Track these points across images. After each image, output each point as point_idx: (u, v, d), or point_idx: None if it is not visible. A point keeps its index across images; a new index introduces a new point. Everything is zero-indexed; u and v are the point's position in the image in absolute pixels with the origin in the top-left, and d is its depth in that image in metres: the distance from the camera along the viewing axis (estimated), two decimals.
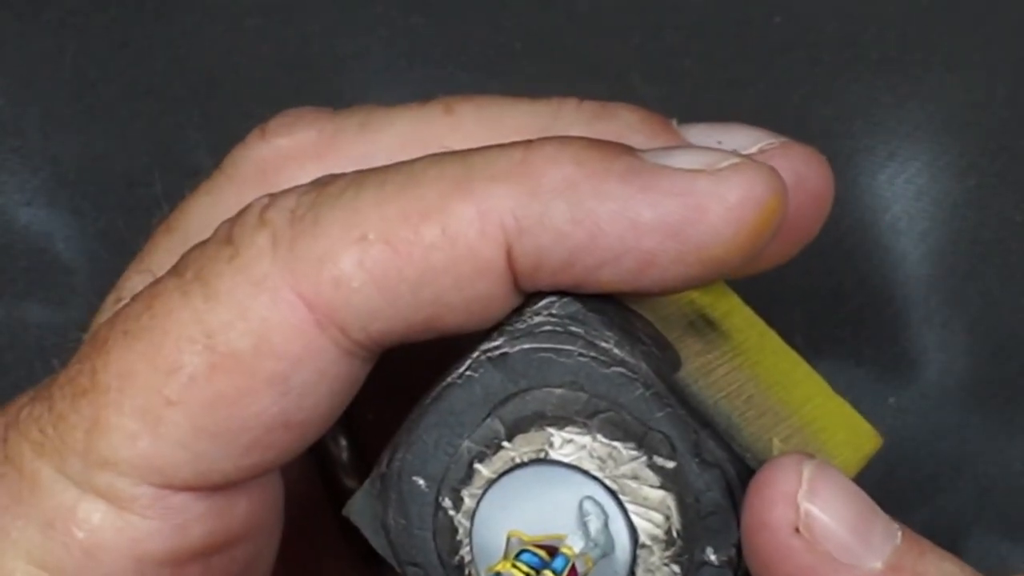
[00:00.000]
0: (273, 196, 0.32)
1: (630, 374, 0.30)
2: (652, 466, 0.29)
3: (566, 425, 0.30)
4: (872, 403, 0.47)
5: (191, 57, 0.50)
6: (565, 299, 0.30)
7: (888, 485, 0.47)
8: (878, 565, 0.29)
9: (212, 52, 0.50)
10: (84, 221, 0.49)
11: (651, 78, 0.48)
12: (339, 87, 0.49)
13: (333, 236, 0.31)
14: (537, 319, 0.30)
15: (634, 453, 0.29)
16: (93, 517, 0.32)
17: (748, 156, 0.31)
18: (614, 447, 0.30)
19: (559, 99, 0.35)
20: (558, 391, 0.30)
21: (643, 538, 0.29)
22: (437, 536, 0.31)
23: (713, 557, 0.29)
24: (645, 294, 0.31)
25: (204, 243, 0.32)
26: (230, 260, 0.31)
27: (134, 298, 0.32)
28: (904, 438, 0.47)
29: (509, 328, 0.30)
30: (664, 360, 0.30)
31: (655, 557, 0.29)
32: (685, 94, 0.48)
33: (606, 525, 0.29)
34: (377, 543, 0.31)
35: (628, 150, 0.31)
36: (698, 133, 0.34)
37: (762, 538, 0.28)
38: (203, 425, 0.31)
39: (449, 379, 0.31)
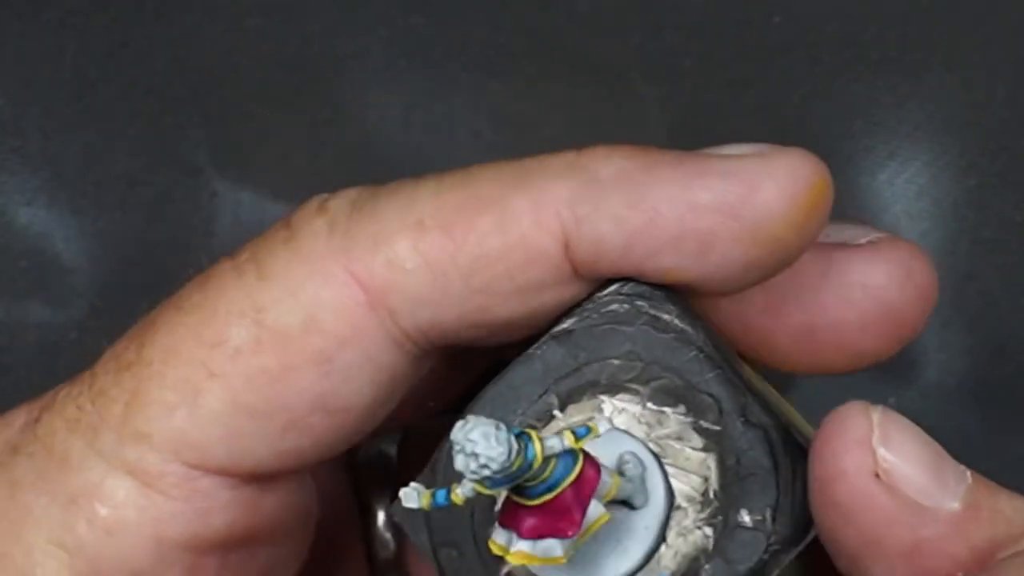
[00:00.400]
0: (334, 192, 0.32)
1: (685, 339, 0.30)
2: (697, 428, 0.30)
3: (618, 392, 0.30)
4: (872, 403, 0.47)
5: (191, 57, 0.50)
6: (634, 281, 0.30)
7: None
8: (956, 505, 0.28)
9: (212, 52, 0.50)
10: (84, 221, 0.49)
11: (651, 78, 0.48)
12: (339, 87, 0.49)
13: (390, 219, 0.31)
14: (607, 298, 0.30)
15: (681, 417, 0.30)
16: (118, 493, 0.31)
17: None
18: (663, 412, 0.30)
19: None
20: (616, 362, 0.30)
21: (679, 500, 0.29)
22: (476, 513, 0.31)
23: (747, 519, 0.29)
24: (710, 287, 0.31)
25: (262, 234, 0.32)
26: (286, 242, 0.31)
27: (189, 281, 0.32)
28: None
29: (578, 309, 0.31)
30: (723, 346, 0.30)
31: (689, 520, 0.29)
32: (685, 94, 0.48)
33: (643, 478, 0.29)
34: (417, 537, 0.31)
35: (674, 150, 0.31)
36: None
37: (841, 487, 0.28)
38: (242, 400, 0.31)
39: (516, 359, 0.31)
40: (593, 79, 0.48)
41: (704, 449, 0.30)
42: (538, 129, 0.49)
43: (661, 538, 0.29)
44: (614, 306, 0.31)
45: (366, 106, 0.49)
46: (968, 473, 0.29)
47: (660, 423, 0.30)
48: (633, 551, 0.29)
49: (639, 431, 0.30)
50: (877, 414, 0.28)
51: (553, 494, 0.27)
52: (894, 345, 0.33)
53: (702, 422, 0.30)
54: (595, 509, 0.28)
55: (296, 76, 0.49)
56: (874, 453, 0.28)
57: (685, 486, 0.30)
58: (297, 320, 0.31)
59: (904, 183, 0.47)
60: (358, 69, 0.49)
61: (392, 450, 0.36)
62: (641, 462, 0.30)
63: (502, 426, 0.26)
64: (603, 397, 0.30)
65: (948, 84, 0.47)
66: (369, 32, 0.50)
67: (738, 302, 0.32)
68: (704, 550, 0.29)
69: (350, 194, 0.32)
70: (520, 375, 0.31)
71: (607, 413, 0.30)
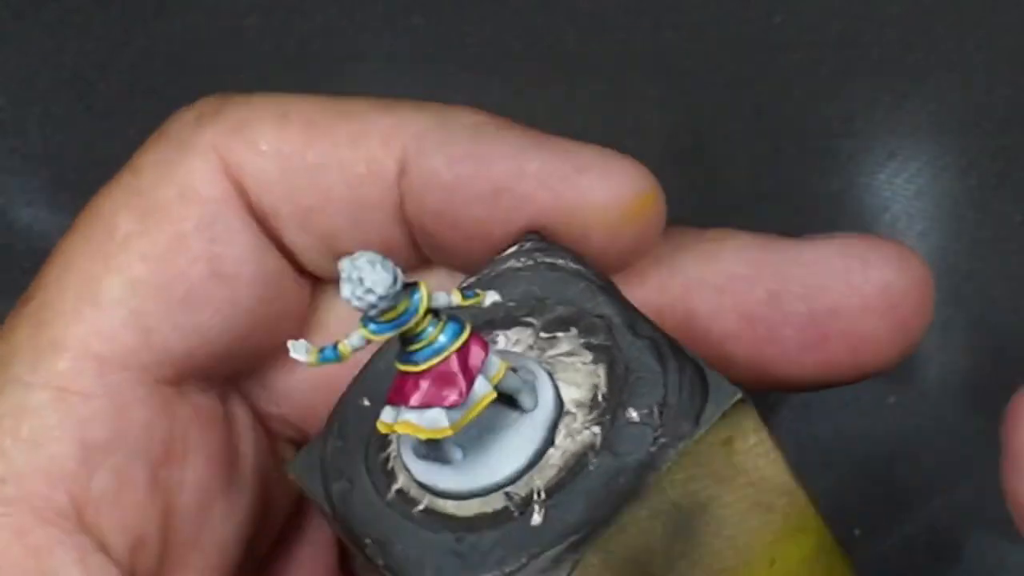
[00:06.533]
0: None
1: (578, 275, 0.31)
2: (588, 345, 0.30)
3: (513, 326, 0.31)
4: (872, 403, 0.47)
5: (191, 57, 0.50)
6: (533, 238, 0.31)
7: (888, 485, 0.47)
8: None
9: (212, 52, 0.50)
10: None
11: (651, 78, 0.49)
12: (339, 87, 0.49)
13: (257, 108, 0.33)
14: (505, 256, 0.31)
15: (573, 338, 0.30)
16: (38, 407, 0.32)
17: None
18: (555, 336, 0.30)
19: None
20: (512, 303, 0.31)
21: (569, 406, 0.30)
22: (370, 445, 0.31)
23: (635, 415, 0.29)
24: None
25: None
26: (156, 138, 0.33)
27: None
28: (904, 438, 0.47)
29: (480, 271, 0.31)
30: (628, 302, 0.31)
31: (578, 422, 0.30)
32: (685, 94, 0.48)
33: (534, 385, 0.30)
34: (312, 488, 0.31)
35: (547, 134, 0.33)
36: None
37: None
38: (140, 278, 0.32)
39: None
40: (593, 79, 0.48)
41: (594, 362, 0.30)
42: (538, 129, 0.49)
43: (550, 440, 0.30)
44: (511, 261, 0.31)
45: None
46: None
47: (552, 346, 0.30)
48: (522, 451, 0.29)
49: (530, 352, 0.30)
50: None
51: (440, 358, 0.28)
52: (896, 336, 0.33)
53: (592, 339, 0.30)
54: (482, 386, 0.28)
55: (296, 76, 0.49)
56: None
57: (575, 394, 0.30)
58: (174, 193, 0.32)
59: (904, 183, 0.47)
60: (358, 69, 0.49)
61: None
62: (532, 372, 0.30)
63: (388, 259, 0.26)
64: (497, 332, 0.31)
65: (948, 84, 0.47)
66: (369, 32, 0.50)
67: (741, 293, 0.32)
68: (592, 446, 0.29)
69: (220, 95, 0.33)
70: None
71: (501, 345, 0.31)
